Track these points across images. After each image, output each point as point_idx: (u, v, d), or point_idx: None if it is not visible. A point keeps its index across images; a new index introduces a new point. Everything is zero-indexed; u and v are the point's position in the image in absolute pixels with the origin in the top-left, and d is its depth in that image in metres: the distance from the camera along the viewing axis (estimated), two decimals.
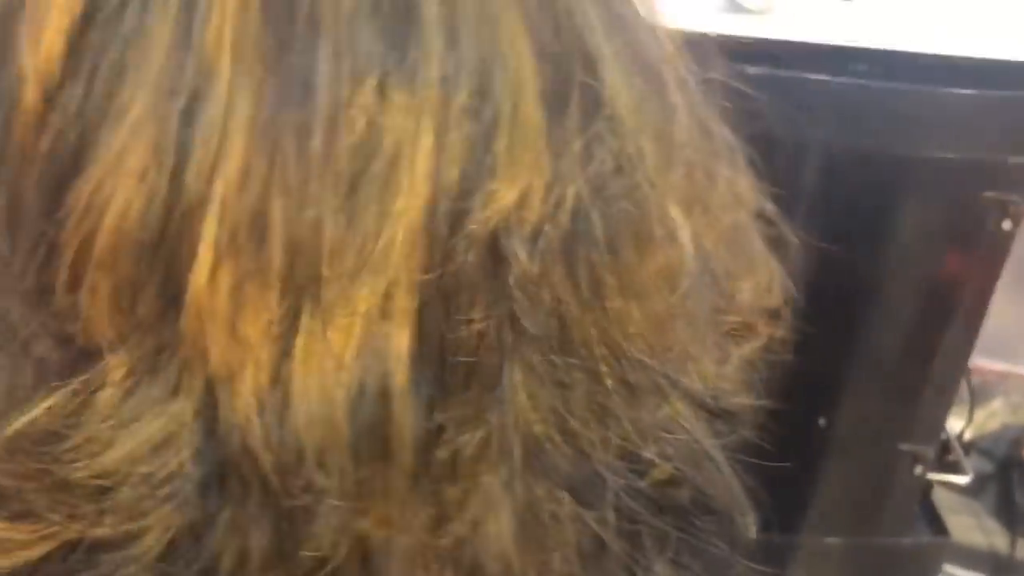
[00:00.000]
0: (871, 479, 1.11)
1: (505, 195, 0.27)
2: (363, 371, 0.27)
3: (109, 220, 0.26)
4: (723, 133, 0.33)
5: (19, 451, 0.28)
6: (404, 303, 0.27)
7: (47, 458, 0.28)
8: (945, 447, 1.22)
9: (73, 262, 0.27)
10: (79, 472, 0.28)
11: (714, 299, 0.32)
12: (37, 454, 0.28)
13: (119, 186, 0.26)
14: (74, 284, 0.27)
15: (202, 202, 0.26)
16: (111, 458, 0.28)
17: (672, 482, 0.31)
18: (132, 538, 0.28)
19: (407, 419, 0.28)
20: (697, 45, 0.34)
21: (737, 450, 0.32)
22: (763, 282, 0.34)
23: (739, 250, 0.33)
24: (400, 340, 0.27)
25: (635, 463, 0.30)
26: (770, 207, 0.35)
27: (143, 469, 0.28)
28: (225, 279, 0.27)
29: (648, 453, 0.30)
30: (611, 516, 0.30)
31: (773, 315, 0.34)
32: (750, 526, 0.32)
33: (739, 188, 0.33)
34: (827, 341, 1.04)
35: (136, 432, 0.28)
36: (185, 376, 0.28)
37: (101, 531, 0.28)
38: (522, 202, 0.27)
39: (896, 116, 0.95)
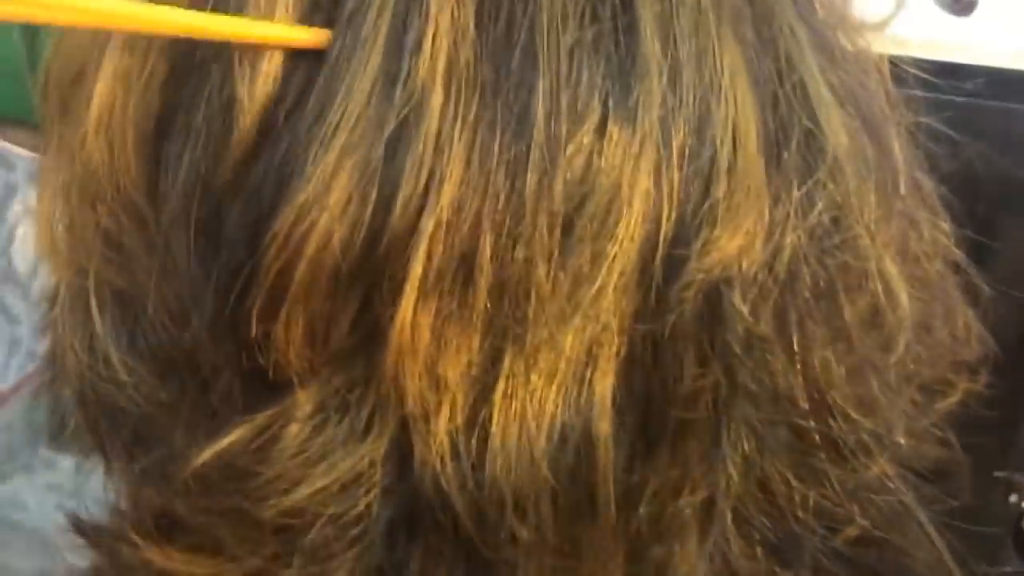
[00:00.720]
0: (963, 505, 1.09)
1: (728, 243, 0.26)
2: (566, 417, 0.26)
3: (310, 250, 0.26)
4: (926, 179, 0.32)
5: (204, 484, 0.28)
6: (612, 350, 0.26)
7: (234, 493, 0.28)
8: None
9: (270, 291, 0.27)
10: (268, 510, 0.27)
11: (913, 352, 0.31)
12: (224, 489, 0.28)
13: (322, 216, 0.26)
14: (269, 315, 0.27)
15: (409, 236, 0.25)
16: (300, 496, 0.27)
17: (863, 541, 0.30)
18: None
19: (610, 471, 0.27)
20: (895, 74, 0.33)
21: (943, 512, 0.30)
22: (960, 334, 0.33)
23: (936, 300, 0.32)
24: (604, 387, 0.26)
25: (830, 520, 0.29)
26: (961, 255, 0.34)
27: (332, 509, 0.27)
28: (427, 317, 0.26)
29: (848, 512, 0.29)
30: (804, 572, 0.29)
31: (970, 368, 0.33)
32: None
33: (938, 236, 0.32)
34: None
35: (326, 470, 0.27)
36: (378, 414, 0.27)
37: (288, 572, 0.28)
38: (743, 251, 0.26)
39: (1009, 136, 0.93)
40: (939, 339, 0.32)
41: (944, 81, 0.94)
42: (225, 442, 0.27)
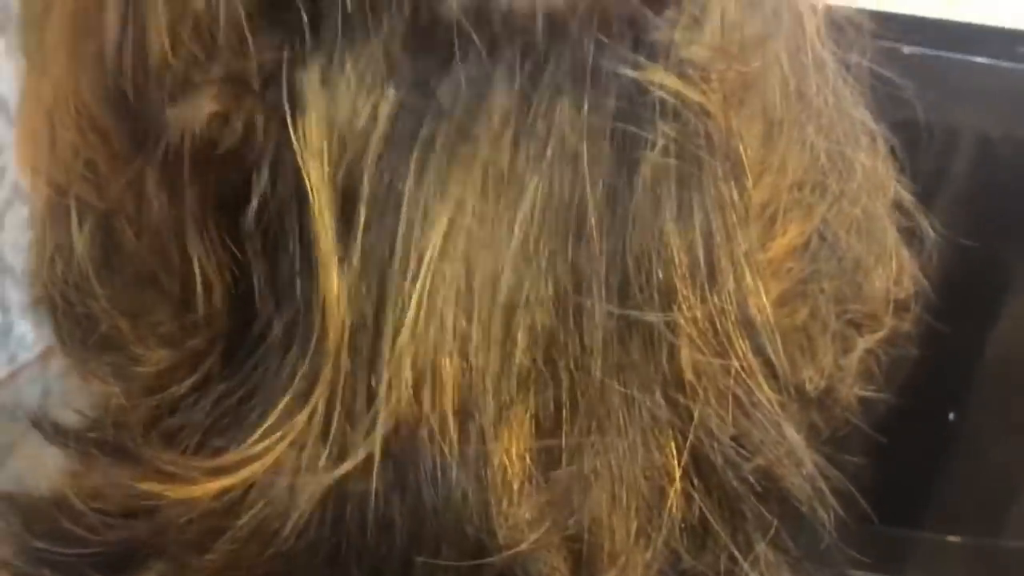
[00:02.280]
0: (999, 479, 1.08)
1: None
2: None
3: None
4: (863, 117, 0.32)
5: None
6: None
7: None
8: None
9: None
10: None
11: (840, 286, 0.31)
12: None
13: None
14: None
15: None
16: None
17: (779, 463, 0.30)
18: None
19: None
20: (847, 25, 0.33)
21: (844, 441, 0.31)
22: (893, 273, 0.33)
23: (871, 239, 0.33)
24: None
25: (741, 445, 0.30)
26: (908, 198, 0.34)
27: None
28: None
29: (751, 433, 0.29)
30: (716, 495, 0.30)
31: (901, 307, 0.34)
32: (825, 520, 0.31)
33: (877, 176, 0.33)
34: (963, 334, 1.01)
35: None
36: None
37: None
38: None
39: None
40: (871, 277, 0.32)
41: (995, 45, 0.93)
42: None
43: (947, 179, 0.91)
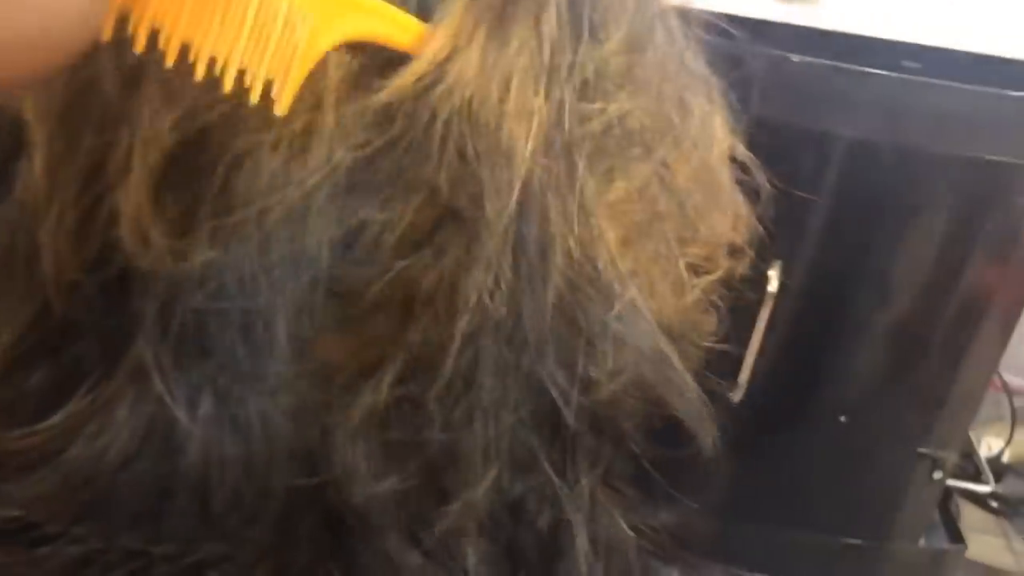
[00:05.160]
0: (888, 481, 1.10)
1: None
2: None
3: None
4: (700, 67, 0.33)
5: None
6: None
7: None
8: (971, 458, 1.21)
9: None
10: None
11: (679, 230, 0.32)
12: None
13: None
14: None
15: None
16: None
17: (616, 402, 0.31)
18: None
19: None
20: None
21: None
22: (729, 219, 0.34)
23: (708, 186, 0.33)
24: None
25: (582, 377, 0.30)
26: (744, 152, 0.35)
27: None
28: None
29: (600, 364, 0.29)
30: (547, 429, 0.30)
31: (736, 251, 0.35)
32: (710, 440, 0.32)
33: (714, 125, 0.34)
34: (853, 337, 1.04)
35: None
36: None
37: None
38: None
39: (939, 114, 0.94)
40: (708, 222, 0.33)
41: (879, 56, 0.96)
42: None
43: (825, 181, 0.94)
